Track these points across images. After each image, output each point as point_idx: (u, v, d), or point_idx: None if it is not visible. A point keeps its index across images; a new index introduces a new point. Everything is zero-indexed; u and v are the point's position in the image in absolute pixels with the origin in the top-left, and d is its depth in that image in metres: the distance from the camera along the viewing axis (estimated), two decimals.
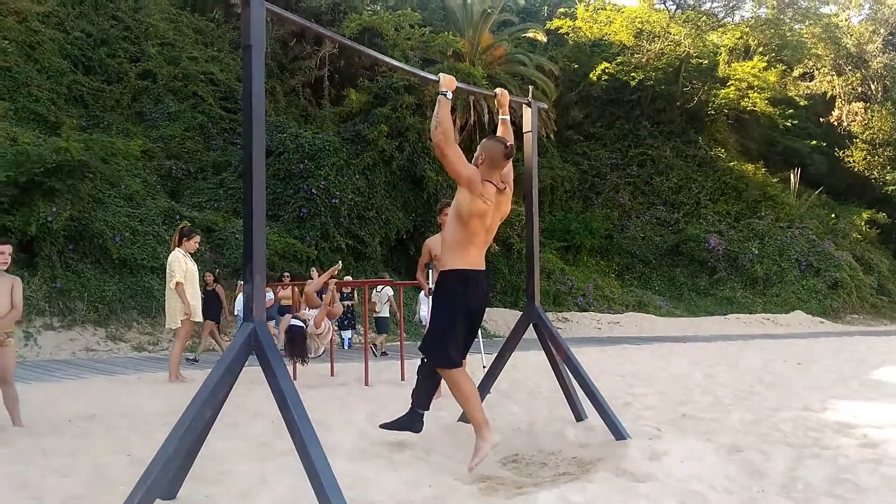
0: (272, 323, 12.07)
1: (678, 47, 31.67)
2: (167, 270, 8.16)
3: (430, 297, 7.68)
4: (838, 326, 24.54)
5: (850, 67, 33.70)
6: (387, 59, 4.37)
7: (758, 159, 34.06)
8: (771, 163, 34.41)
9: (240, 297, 12.30)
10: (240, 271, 14.10)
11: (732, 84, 31.20)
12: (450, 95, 3.90)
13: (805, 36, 32.77)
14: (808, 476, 3.66)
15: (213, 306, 11.24)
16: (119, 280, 13.74)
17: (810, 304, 26.01)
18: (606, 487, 3.38)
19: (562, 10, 33.52)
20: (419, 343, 4.24)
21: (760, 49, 32.07)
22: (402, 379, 7.95)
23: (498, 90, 4.49)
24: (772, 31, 31.59)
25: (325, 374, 8.78)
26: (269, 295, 11.25)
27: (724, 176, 31.59)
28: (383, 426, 4.20)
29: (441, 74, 4.01)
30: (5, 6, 17.85)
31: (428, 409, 4.22)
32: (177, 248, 8.12)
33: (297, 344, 7.41)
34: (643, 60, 31.22)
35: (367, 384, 7.65)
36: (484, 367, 7.73)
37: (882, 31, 33.21)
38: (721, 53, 32.64)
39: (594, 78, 30.83)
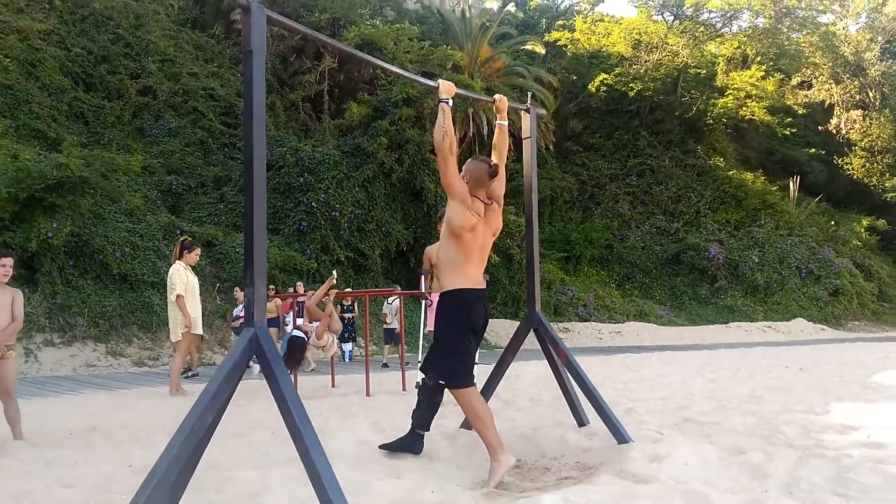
0: None
1: (676, 58, 31.86)
2: (168, 283, 8.16)
3: (424, 302, 7.73)
4: (840, 333, 24.51)
5: (848, 75, 33.87)
6: (388, 66, 4.40)
7: (757, 168, 34.17)
8: (770, 171, 34.52)
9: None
10: (240, 284, 14.11)
11: (731, 93, 31.37)
12: (451, 102, 3.93)
13: (803, 45, 32.99)
14: (811, 476, 3.64)
15: None
16: (119, 295, 13.74)
17: (811, 312, 26.01)
18: (609, 489, 3.37)
19: (560, 22, 33.77)
20: (420, 363, 4.24)
21: (758, 58, 32.27)
22: (404, 389, 7.94)
23: (497, 96, 4.52)
24: (769, 40, 31.81)
25: (327, 385, 8.78)
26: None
27: (723, 185, 31.68)
28: (383, 447, 4.21)
29: (440, 81, 4.04)
30: (7, 25, 18.00)
31: (428, 430, 4.23)
32: (178, 261, 8.12)
33: (295, 353, 7.40)
34: (641, 71, 31.41)
35: (368, 394, 7.64)
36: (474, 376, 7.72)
37: (880, 39, 33.41)
38: (719, 63, 32.85)
39: (593, 89, 31.01)
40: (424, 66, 23.49)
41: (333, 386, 8.68)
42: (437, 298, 4.34)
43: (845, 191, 34.88)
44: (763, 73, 31.43)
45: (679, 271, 27.96)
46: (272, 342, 2.89)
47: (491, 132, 21.67)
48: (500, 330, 18.71)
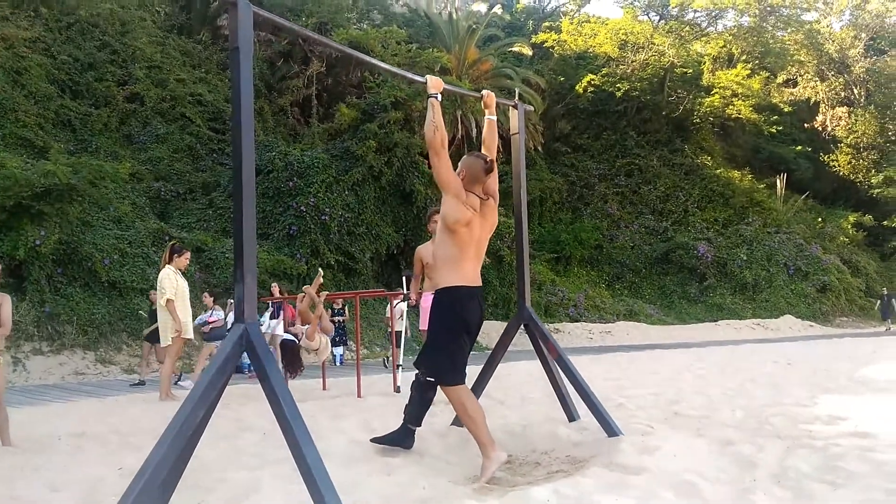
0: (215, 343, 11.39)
1: (662, 57, 32.03)
2: (158, 288, 8.13)
3: (407, 303, 7.74)
4: (828, 329, 24.68)
5: (832, 73, 34.14)
6: (379, 63, 4.42)
7: (744, 166, 34.39)
8: (757, 169, 34.74)
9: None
10: (230, 290, 14.07)
11: (717, 92, 31.55)
12: (439, 98, 3.95)
13: (787, 43, 33.22)
14: (799, 465, 3.68)
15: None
16: (108, 303, 13.67)
17: (800, 308, 26.18)
18: (599, 481, 3.39)
19: (547, 24, 33.88)
20: (413, 358, 4.25)
21: (744, 57, 32.48)
22: (396, 391, 7.93)
23: (484, 91, 4.56)
24: (754, 38, 32.01)
25: (317, 388, 8.76)
26: (220, 314, 10.89)
27: (710, 183, 31.86)
28: (374, 440, 4.23)
29: (428, 77, 4.06)
30: None
31: (420, 425, 4.23)
32: (167, 266, 8.10)
33: (289, 357, 7.39)
34: (628, 71, 31.56)
35: (359, 396, 7.64)
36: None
37: (863, 36, 33.69)
38: (705, 62, 33.03)
39: (580, 90, 31.12)
40: (412, 68, 23.48)
41: (324, 389, 8.67)
42: (430, 297, 4.35)
43: (832, 187, 35.15)
44: (749, 71, 31.63)
45: (668, 270, 28.08)
46: (262, 337, 2.90)
47: (479, 135, 21.72)
48: (492, 332, 18.68)
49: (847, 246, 31.15)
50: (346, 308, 14.70)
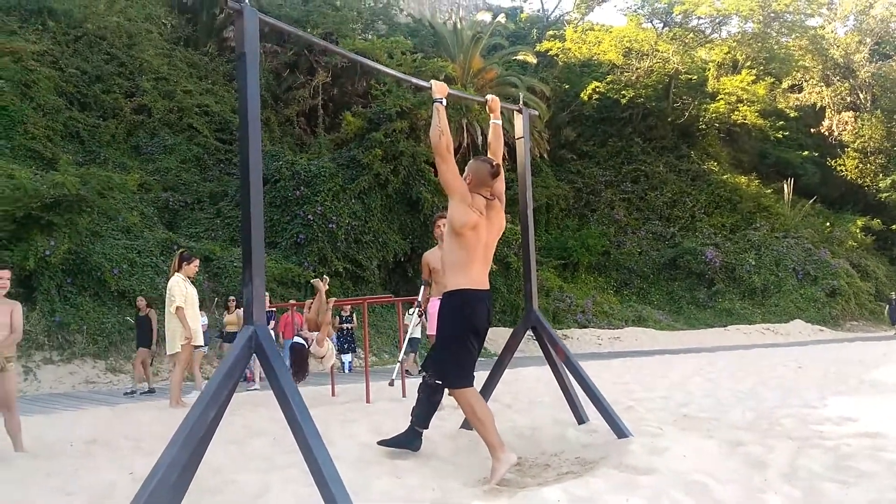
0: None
1: (667, 64, 32.05)
2: (167, 295, 8.17)
3: (415, 312, 7.76)
4: (838, 334, 24.54)
5: (838, 78, 34.09)
6: (387, 69, 4.47)
7: (750, 171, 34.33)
8: (764, 174, 34.67)
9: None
10: (238, 299, 14.11)
11: (722, 98, 31.54)
12: (444, 102, 3.98)
13: (792, 48, 33.19)
14: (810, 465, 3.67)
15: (145, 333, 10.83)
16: (118, 312, 13.74)
17: (809, 313, 26.05)
18: (609, 481, 3.39)
19: (551, 32, 33.96)
20: (422, 361, 4.26)
21: (748, 63, 32.47)
22: (404, 396, 7.94)
23: (489, 96, 4.59)
24: (759, 44, 32.00)
25: (327, 394, 8.78)
26: (205, 319, 10.88)
27: (717, 189, 31.80)
28: (381, 443, 4.23)
29: (433, 82, 4.09)
30: (1, 46, 18.08)
31: (427, 427, 4.23)
32: (176, 273, 8.15)
33: (297, 361, 7.40)
34: (633, 78, 31.59)
35: (368, 401, 7.64)
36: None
37: (868, 40, 33.65)
38: (709, 69, 33.05)
39: (585, 97, 31.18)
40: (417, 78, 23.61)
41: (333, 395, 8.68)
42: (437, 302, 4.35)
43: (839, 192, 35.04)
44: (754, 77, 31.62)
45: (676, 276, 28.01)
46: (271, 339, 2.92)
47: (486, 142, 21.75)
48: (500, 338, 18.67)
49: (856, 250, 31.01)
50: (355, 315, 14.73)
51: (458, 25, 29.71)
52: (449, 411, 5.80)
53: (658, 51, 31.71)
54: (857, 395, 6.48)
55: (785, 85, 34.04)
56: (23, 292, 12.50)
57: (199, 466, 3.02)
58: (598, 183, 31.26)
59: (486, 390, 4.81)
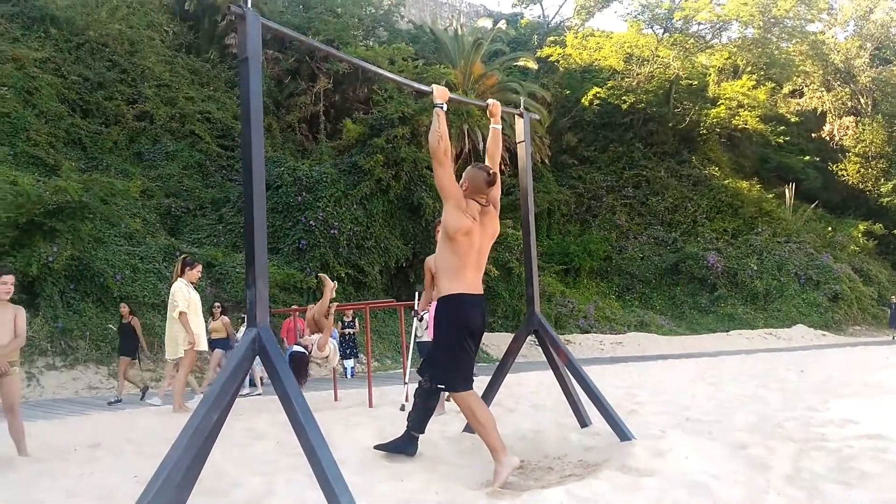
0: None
1: (667, 70, 32.11)
2: (170, 301, 8.19)
3: (416, 317, 7.78)
4: (841, 338, 24.50)
5: (838, 83, 34.14)
6: (389, 74, 4.49)
7: (752, 176, 34.34)
8: (765, 179, 34.69)
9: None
10: (241, 304, 14.13)
11: (723, 103, 31.57)
12: (445, 107, 4.01)
13: (793, 54, 33.24)
14: (813, 466, 3.68)
15: (127, 341, 10.70)
16: (121, 318, 13.72)
17: (812, 318, 26.02)
18: (612, 483, 3.40)
19: (551, 38, 34.02)
20: (418, 367, 4.27)
21: (749, 68, 32.53)
22: (406, 400, 7.93)
23: (490, 100, 4.61)
24: (759, 50, 32.04)
25: (329, 399, 8.79)
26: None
27: (719, 194, 31.81)
28: (378, 447, 4.24)
29: (434, 86, 4.12)
30: (3, 53, 18.17)
31: (423, 432, 4.25)
32: (179, 279, 8.17)
33: (297, 368, 7.41)
34: (634, 84, 31.64)
35: (370, 406, 7.65)
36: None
37: (868, 45, 33.71)
38: (710, 74, 33.11)
39: (586, 103, 31.22)
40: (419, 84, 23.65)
41: (336, 400, 8.69)
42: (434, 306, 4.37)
43: (841, 196, 35.04)
44: (754, 82, 31.65)
45: (678, 281, 28.00)
46: (275, 340, 2.94)
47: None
48: (502, 343, 18.68)
49: (858, 255, 30.99)
50: (357, 320, 14.74)
51: (459, 32, 29.76)
52: (452, 416, 5.81)
53: (659, 56, 31.76)
54: (859, 398, 6.48)
55: (786, 90, 34.09)
56: (26, 298, 12.52)
57: (203, 470, 3.04)
58: (599, 188, 31.28)
59: (489, 394, 4.82)
